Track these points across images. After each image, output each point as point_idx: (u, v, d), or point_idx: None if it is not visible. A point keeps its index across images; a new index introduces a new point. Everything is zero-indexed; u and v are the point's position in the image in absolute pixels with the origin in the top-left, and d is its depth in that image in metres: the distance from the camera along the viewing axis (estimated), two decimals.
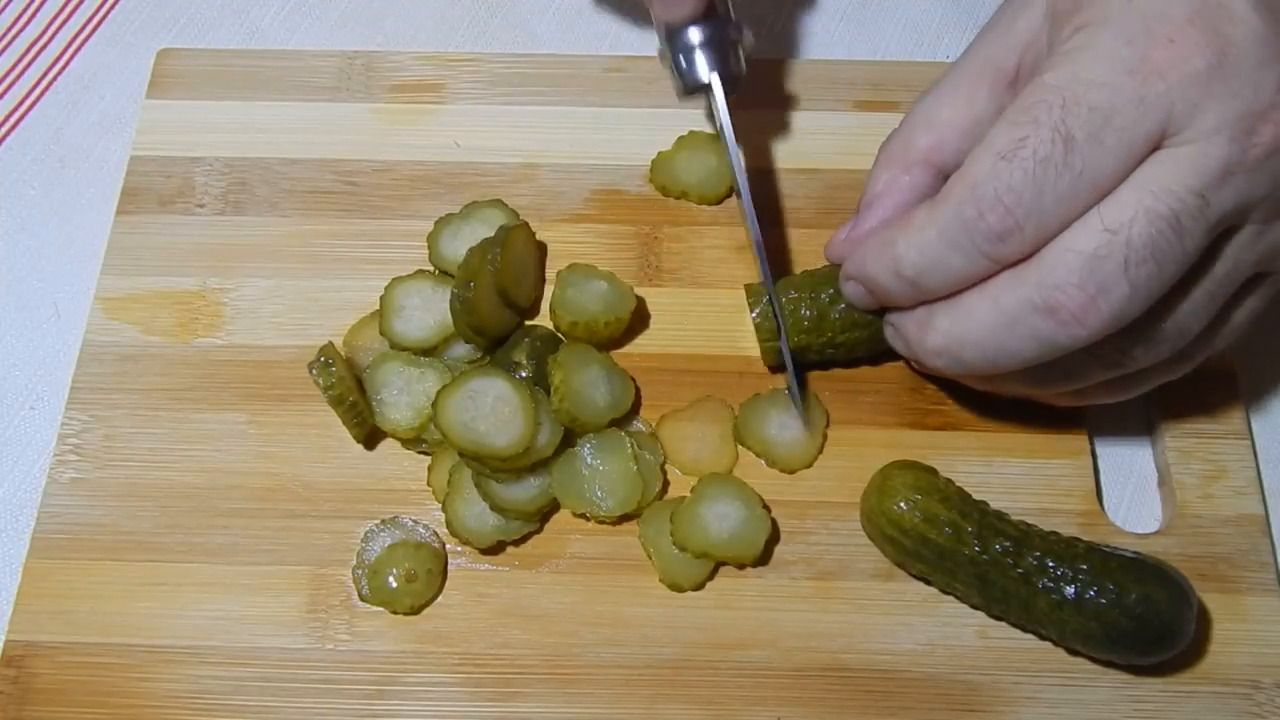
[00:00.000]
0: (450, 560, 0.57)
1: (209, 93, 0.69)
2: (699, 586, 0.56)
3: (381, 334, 0.61)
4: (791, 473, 0.59)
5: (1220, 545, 0.57)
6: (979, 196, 0.48)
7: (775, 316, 0.58)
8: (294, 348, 0.62)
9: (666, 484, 0.59)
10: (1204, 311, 0.50)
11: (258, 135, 0.68)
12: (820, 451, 0.60)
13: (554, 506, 0.58)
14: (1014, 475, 0.59)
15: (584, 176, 0.67)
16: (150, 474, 0.59)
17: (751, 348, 0.61)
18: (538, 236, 0.64)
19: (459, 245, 0.62)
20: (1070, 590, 0.51)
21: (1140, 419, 0.62)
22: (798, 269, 0.64)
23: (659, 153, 0.66)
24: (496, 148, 0.68)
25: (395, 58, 0.71)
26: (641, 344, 0.63)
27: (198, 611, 0.56)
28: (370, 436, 0.60)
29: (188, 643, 0.55)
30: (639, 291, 0.62)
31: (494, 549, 0.57)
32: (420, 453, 0.60)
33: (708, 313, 0.63)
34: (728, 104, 0.58)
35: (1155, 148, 0.47)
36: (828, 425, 0.60)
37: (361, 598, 0.56)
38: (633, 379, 0.60)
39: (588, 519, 0.58)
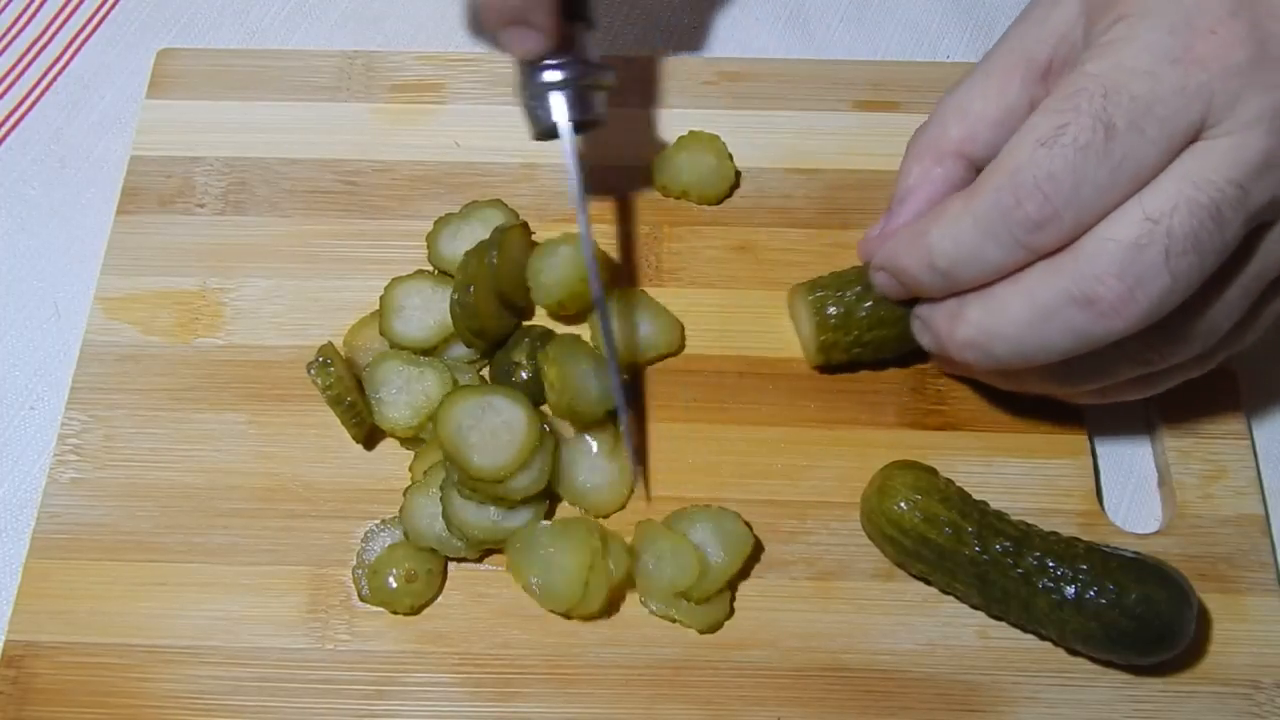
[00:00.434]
0: (450, 560, 0.57)
1: (209, 93, 0.69)
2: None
3: (381, 334, 0.61)
4: (605, 517, 0.58)
5: (1220, 545, 0.57)
6: (1017, 184, 0.47)
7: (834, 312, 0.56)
8: (294, 348, 0.62)
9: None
10: (1235, 309, 0.50)
11: (258, 135, 0.68)
12: (632, 493, 0.58)
13: (499, 549, 0.56)
14: (1014, 475, 0.59)
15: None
16: (150, 474, 0.59)
17: (751, 348, 0.61)
18: (538, 236, 0.64)
19: (459, 245, 0.62)
20: (1070, 590, 0.51)
21: (1140, 419, 0.62)
22: (798, 269, 0.64)
23: (659, 153, 0.66)
24: (496, 148, 0.68)
25: (395, 58, 0.71)
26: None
27: (197, 611, 0.56)
28: (370, 436, 0.60)
29: (187, 643, 0.55)
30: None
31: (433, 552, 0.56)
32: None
33: (708, 313, 0.63)
34: (577, 154, 0.55)
35: (1193, 139, 0.46)
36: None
37: (361, 598, 0.56)
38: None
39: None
